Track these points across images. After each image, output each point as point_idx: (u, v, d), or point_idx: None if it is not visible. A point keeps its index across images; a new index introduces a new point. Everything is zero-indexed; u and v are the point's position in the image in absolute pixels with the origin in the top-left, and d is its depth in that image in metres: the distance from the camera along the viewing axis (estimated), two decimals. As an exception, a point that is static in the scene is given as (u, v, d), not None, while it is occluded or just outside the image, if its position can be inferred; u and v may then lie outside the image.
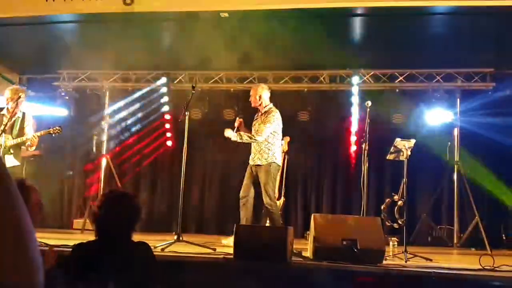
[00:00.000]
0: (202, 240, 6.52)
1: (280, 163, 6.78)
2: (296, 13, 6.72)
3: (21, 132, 6.72)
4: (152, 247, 5.30)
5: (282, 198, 7.61)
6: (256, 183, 6.56)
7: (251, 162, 6.64)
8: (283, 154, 7.54)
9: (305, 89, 9.13)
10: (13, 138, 6.63)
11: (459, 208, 8.24)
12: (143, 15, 7.03)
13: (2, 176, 0.78)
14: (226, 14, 6.72)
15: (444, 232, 8.37)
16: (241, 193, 6.60)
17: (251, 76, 9.19)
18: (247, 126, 6.76)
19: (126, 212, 3.09)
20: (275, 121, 6.60)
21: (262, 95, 6.73)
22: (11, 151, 6.62)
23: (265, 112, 6.66)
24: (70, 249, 3.27)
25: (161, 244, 5.54)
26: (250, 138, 6.54)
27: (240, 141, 6.56)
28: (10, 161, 6.58)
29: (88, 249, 3.10)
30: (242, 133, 6.56)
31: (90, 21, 7.45)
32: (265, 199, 6.45)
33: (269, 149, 6.53)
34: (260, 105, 6.73)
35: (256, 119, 6.74)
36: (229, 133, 6.52)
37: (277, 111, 6.71)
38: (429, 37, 7.56)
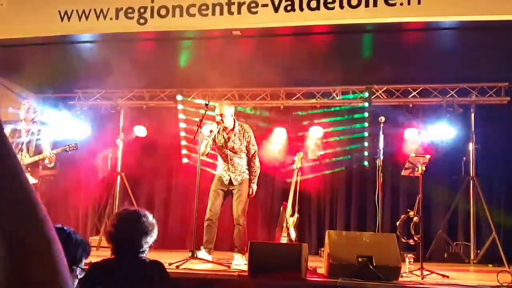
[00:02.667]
0: (216, 257, 6.50)
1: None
2: (309, 30, 6.77)
3: (37, 149, 6.79)
4: (166, 264, 5.33)
5: (296, 215, 7.57)
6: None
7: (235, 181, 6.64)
8: (297, 170, 7.53)
9: (318, 105, 9.13)
10: (30, 156, 6.69)
11: (476, 224, 8.14)
12: (157, 34, 7.12)
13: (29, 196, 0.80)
14: (239, 32, 6.77)
15: (460, 249, 8.26)
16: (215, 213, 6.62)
17: (263, 93, 9.22)
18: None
19: (141, 230, 3.10)
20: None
21: (233, 113, 6.79)
22: (29, 169, 6.68)
23: (243, 129, 6.74)
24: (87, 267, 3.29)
25: (175, 261, 5.55)
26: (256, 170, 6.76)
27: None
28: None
29: (103, 268, 3.12)
30: (251, 184, 6.68)
31: (104, 41, 7.54)
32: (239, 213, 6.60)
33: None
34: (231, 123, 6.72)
35: (232, 137, 6.64)
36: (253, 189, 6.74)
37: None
38: (443, 51, 7.54)
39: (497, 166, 8.38)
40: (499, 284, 4.87)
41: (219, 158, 6.79)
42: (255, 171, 6.73)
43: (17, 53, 7.86)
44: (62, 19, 7.00)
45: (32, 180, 6.70)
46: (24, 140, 6.56)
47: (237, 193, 6.58)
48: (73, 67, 8.60)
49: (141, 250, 3.12)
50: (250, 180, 6.68)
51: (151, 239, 3.14)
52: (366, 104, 8.84)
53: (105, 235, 3.13)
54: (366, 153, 8.81)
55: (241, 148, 6.64)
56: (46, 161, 6.73)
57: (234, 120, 6.74)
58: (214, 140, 6.63)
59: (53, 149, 6.91)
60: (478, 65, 7.71)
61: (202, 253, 6.25)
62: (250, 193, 6.71)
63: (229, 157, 6.61)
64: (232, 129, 6.66)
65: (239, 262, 6.16)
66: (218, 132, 6.59)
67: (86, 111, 9.72)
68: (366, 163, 8.79)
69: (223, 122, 6.53)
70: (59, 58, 8.25)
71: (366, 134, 8.81)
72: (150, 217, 3.21)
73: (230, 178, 6.59)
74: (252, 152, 6.70)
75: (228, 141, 6.62)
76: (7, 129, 6.80)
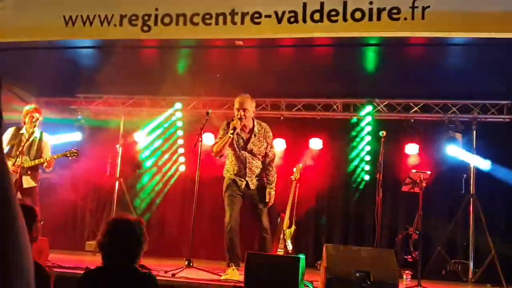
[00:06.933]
0: (213, 266, 6.45)
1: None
2: (311, 42, 6.77)
3: (38, 153, 6.80)
4: (162, 272, 5.30)
5: (293, 227, 7.53)
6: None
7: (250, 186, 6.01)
8: (295, 181, 7.50)
9: (318, 117, 9.12)
10: (30, 159, 6.68)
11: (475, 242, 8.10)
12: (160, 42, 7.13)
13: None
14: (241, 43, 6.78)
15: (458, 267, 8.20)
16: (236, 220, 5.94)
17: (263, 103, 9.21)
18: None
19: (130, 240, 3.07)
20: None
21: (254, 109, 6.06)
22: (29, 172, 6.67)
23: (263, 128, 6.10)
24: (82, 272, 3.28)
25: (171, 269, 5.52)
26: (274, 176, 6.16)
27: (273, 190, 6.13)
28: (27, 182, 6.64)
29: (95, 277, 3.10)
30: (270, 190, 6.05)
31: (108, 47, 7.56)
32: (267, 221, 6.06)
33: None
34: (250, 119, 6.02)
35: (252, 138, 5.98)
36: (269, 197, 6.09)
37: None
38: (445, 67, 7.55)
39: (498, 185, 8.33)
40: (497, 304, 4.83)
41: (231, 160, 6.08)
42: (273, 177, 6.10)
43: (21, 56, 7.86)
44: (66, 24, 7.01)
45: (31, 183, 6.70)
46: (25, 144, 6.55)
47: (259, 200, 5.99)
48: (76, 72, 8.60)
49: (131, 259, 3.09)
50: (268, 186, 6.05)
51: (140, 248, 3.11)
52: (368, 118, 8.81)
53: (96, 244, 3.11)
54: (367, 167, 8.77)
55: (260, 151, 6.00)
56: (45, 165, 6.72)
57: (253, 119, 6.06)
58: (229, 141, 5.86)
59: (54, 153, 6.91)
60: (481, 82, 7.70)
61: (234, 273, 5.53)
62: (268, 200, 6.06)
63: (247, 161, 5.98)
64: (252, 129, 6.01)
65: None
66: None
67: (87, 115, 9.72)
68: (367, 177, 8.75)
69: (245, 118, 5.85)
70: (63, 63, 8.25)
71: (367, 148, 8.77)
72: (141, 226, 3.16)
73: (247, 182, 5.96)
74: (270, 156, 6.09)
75: (248, 143, 5.98)
76: (10, 129, 6.81)
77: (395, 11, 6.03)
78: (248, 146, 5.98)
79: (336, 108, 9.11)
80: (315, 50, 7.18)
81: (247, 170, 5.99)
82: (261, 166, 6.08)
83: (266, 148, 6.06)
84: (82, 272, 3.26)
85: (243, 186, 6.00)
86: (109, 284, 3.02)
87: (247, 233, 7.13)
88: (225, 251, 5.93)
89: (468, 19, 6.05)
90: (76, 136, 9.44)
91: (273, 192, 6.10)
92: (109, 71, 7.71)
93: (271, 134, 6.14)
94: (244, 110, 5.85)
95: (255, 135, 6.00)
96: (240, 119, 5.81)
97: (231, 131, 5.80)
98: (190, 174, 8.83)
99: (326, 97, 9.03)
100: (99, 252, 3.13)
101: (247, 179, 5.99)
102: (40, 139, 6.88)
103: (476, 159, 8.22)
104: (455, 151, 8.31)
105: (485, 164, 8.14)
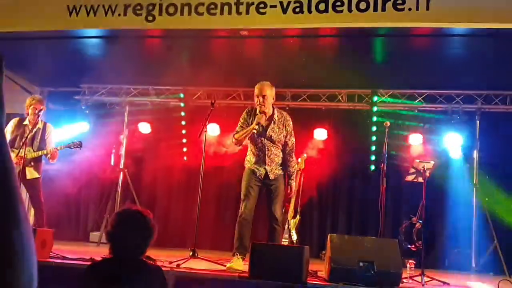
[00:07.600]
0: (217, 257, 6.49)
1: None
2: (316, 32, 6.76)
3: (41, 144, 6.79)
4: (167, 263, 5.32)
5: (298, 217, 7.57)
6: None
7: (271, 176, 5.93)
8: (300, 172, 7.52)
9: (323, 108, 9.12)
10: (33, 151, 6.69)
11: (478, 231, 8.14)
12: (164, 32, 7.12)
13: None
14: (246, 33, 6.76)
15: (461, 256, 8.25)
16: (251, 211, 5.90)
17: (269, 93, 9.20)
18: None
19: (139, 231, 3.09)
20: None
21: (274, 96, 5.96)
22: (32, 163, 6.68)
23: (283, 116, 6.02)
24: (86, 263, 3.29)
25: (176, 260, 5.55)
26: (294, 167, 6.08)
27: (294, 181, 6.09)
28: (31, 173, 6.65)
29: (102, 268, 3.12)
30: (291, 182, 6.00)
31: (112, 37, 7.55)
32: (280, 212, 5.99)
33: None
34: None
35: (272, 125, 5.88)
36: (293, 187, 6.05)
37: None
38: (449, 58, 7.54)
39: (501, 175, 8.36)
40: (500, 293, 4.87)
41: (250, 149, 6.02)
42: (293, 167, 6.04)
43: (24, 46, 7.85)
44: (70, 13, 7.00)
45: (35, 174, 6.71)
46: (29, 135, 6.55)
47: (275, 190, 5.88)
48: (80, 62, 8.60)
49: (139, 251, 3.11)
50: (288, 177, 5.98)
51: (149, 240, 3.13)
52: (374, 108, 8.82)
53: (105, 234, 3.11)
54: (372, 157, 8.78)
55: (280, 138, 5.89)
56: (49, 156, 6.73)
57: (273, 106, 5.98)
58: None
59: (57, 145, 6.91)
60: (484, 72, 7.69)
61: (238, 263, 5.54)
62: (289, 191, 6.04)
63: (266, 148, 5.88)
64: (271, 116, 5.91)
65: None
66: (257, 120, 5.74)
67: (91, 106, 9.72)
68: (372, 167, 8.77)
69: (264, 106, 5.78)
70: (66, 53, 8.25)
71: (373, 138, 8.78)
72: (150, 218, 3.19)
73: (266, 172, 5.86)
74: (290, 145, 5.97)
75: (267, 129, 5.87)
76: (13, 120, 6.81)
77: (400, 1, 6.02)
78: (267, 133, 5.90)
79: (340, 99, 9.12)
80: (320, 40, 7.17)
81: (267, 158, 5.89)
82: (280, 155, 5.98)
83: (286, 136, 5.96)
84: (86, 263, 3.27)
85: (262, 176, 5.91)
86: (116, 275, 3.04)
87: (259, 225, 7.18)
88: (234, 240, 5.93)
89: (472, 10, 6.03)
90: (83, 127, 9.42)
91: (293, 184, 6.06)
92: (113, 61, 7.72)
93: (291, 123, 6.04)
94: (263, 96, 5.77)
95: (274, 122, 5.92)
96: (263, 112, 5.75)
97: (256, 126, 5.74)
98: (193, 164, 8.84)
99: (331, 88, 9.03)
100: (107, 243, 3.16)
101: (266, 167, 5.89)
102: (44, 130, 6.87)
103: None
104: (458, 141, 8.33)
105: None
